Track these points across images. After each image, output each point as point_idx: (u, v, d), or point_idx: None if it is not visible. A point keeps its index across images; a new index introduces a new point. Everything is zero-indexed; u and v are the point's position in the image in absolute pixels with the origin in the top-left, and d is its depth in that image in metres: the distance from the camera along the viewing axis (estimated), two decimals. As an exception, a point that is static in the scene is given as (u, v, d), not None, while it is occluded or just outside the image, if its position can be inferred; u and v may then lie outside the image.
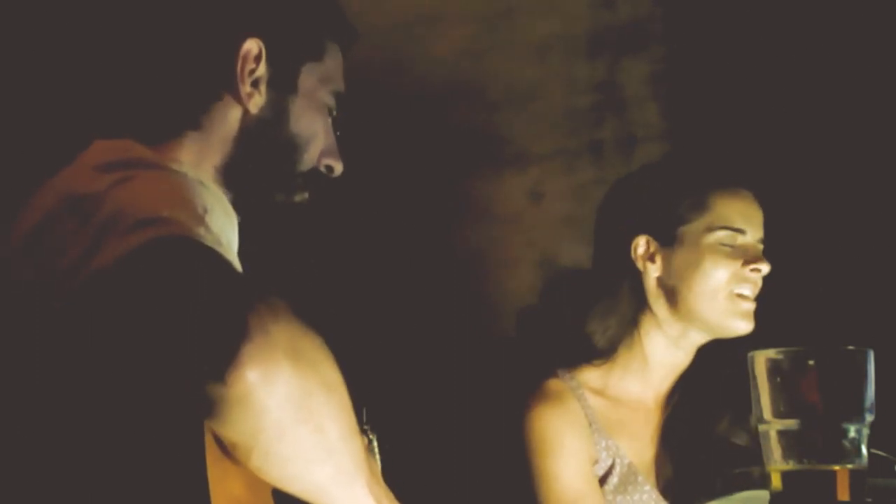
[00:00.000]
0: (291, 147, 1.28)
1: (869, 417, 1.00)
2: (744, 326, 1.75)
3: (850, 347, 1.00)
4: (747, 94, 2.23)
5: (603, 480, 1.76)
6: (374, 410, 1.21)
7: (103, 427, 0.98)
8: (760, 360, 1.01)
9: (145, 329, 0.94)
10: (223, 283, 0.97)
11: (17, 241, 1.10)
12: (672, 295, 1.77)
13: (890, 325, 1.95)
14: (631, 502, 1.75)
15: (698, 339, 1.79)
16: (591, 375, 1.81)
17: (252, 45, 1.25)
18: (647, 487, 1.76)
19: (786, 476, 1.00)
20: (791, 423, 0.99)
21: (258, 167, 1.27)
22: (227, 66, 1.25)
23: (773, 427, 1.00)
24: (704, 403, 1.79)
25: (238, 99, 1.25)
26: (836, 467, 0.98)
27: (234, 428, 0.95)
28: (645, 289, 1.79)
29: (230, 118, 1.26)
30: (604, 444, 1.77)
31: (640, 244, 1.79)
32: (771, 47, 2.23)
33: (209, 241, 1.01)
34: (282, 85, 1.28)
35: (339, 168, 1.34)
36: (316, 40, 1.32)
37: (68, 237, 1.02)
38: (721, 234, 1.75)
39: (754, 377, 1.02)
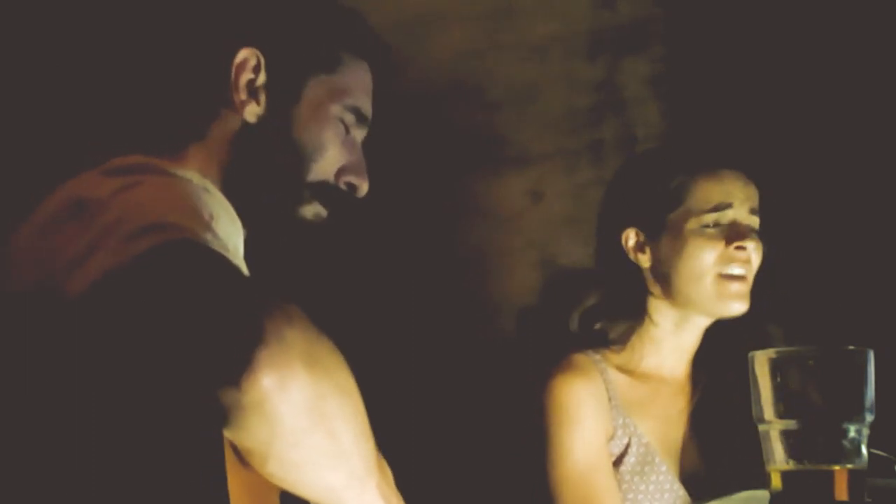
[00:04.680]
0: (294, 156, 1.28)
1: (869, 417, 1.00)
2: (736, 307, 1.75)
3: (850, 347, 1.00)
4: (747, 94, 2.23)
5: (620, 460, 1.77)
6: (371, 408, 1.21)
7: (120, 435, 0.97)
8: (760, 360, 1.01)
9: (158, 334, 0.93)
10: (236, 287, 0.97)
11: (23, 241, 1.10)
12: (665, 283, 1.79)
13: (890, 325, 1.95)
14: (649, 483, 1.76)
15: (700, 321, 1.81)
16: (613, 356, 1.84)
17: (248, 55, 1.26)
18: (664, 468, 1.77)
19: (786, 476, 1.00)
20: (791, 423, 0.99)
21: (261, 176, 1.27)
22: (222, 78, 1.25)
23: (773, 427, 1.00)
24: (733, 389, 1.79)
25: (235, 109, 1.26)
26: (836, 467, 0.98)
27: (250, 434, 0.94)
28: (644, 278, 1.81)
29: (230, 128, 1.26)
30: (621, 421, 1.78)
31: (630, 237, 1.82)
32: (771, 47, 2.23)
33: (217, 247, 1.01)
34: (284, 94, 1.27)
35: (363, 187, 1.34)
36: (327, 53, 1.31)
37: (70, 238, 1.02)
38: (704, 217, 1.75)
39: (754, 377, 1.02)
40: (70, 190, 1.10)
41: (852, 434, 0.99)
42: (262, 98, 1.26)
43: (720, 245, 1.74)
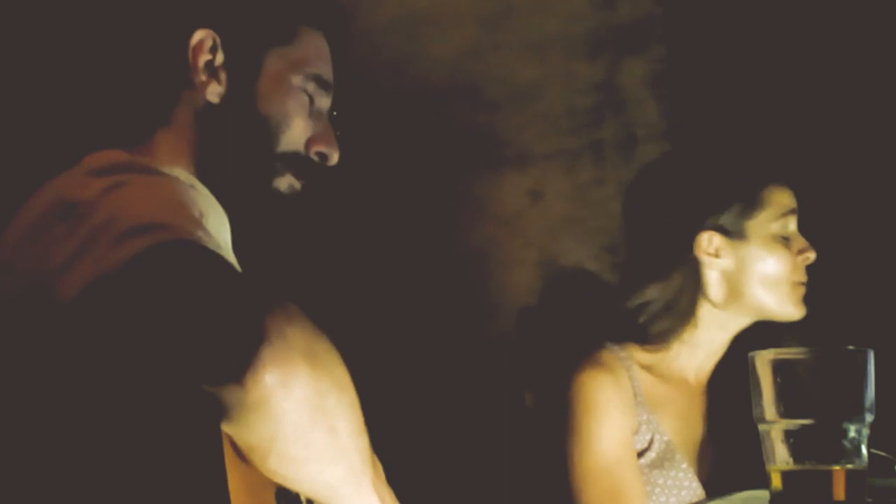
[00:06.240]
0: (262, 130, 1.29)
1: (869, 417, 1.00)
2: (799, 312, 1.81)
3: (850, 347, 1.00)
4: (747, 94, 2.23)
5: (641, 454, 1.79)
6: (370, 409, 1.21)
7: (121, 435, 0.97)
8: (761, 360, 1.01)
9: (158, 334, 0.93)
10: (235, 286, 0.97)
11: (11, 244, 1.09)
12: (736, 286, 1.81)
13: (890, 325, 1.95)
14: (667, 478, 1.77)
15: (745, 322, 1.84)
16: (640, 352, 1.85)
17: (203, 36, 1.28)
18: (685, 466, 1.78)
19: (786, 476, 1.00)
20: (791, 423, 0.99)
21: (231, 154, 1.28)
22: (180, 61, 1.27)
23: (773, 427, 1.00)
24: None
25: (197, 91, 1.27)
26: (836, 467, 0.98)
27: (253, 432, 0.95)
28: (703, 279, 1.82)
29: (195, 110, 1.28)
30: (645, 417, 1.79)
31: (705, 239, 1.82)
32: (771, 47, 2.23)
33: (209, 245, 1.01)
34: (244, 71, 1.29)
35: (333, 156, 1.35)
36: (282, 25, 1.32)
37: (60, 240, 1.02)
38: (779, 223, 1.80)
39: (755, 377, 1.02)
40: (56, 191, 1.10)
41: (852, 434, 0.99)
42: (223, 77, 1.28)
43: (793, 254, 1.80)
